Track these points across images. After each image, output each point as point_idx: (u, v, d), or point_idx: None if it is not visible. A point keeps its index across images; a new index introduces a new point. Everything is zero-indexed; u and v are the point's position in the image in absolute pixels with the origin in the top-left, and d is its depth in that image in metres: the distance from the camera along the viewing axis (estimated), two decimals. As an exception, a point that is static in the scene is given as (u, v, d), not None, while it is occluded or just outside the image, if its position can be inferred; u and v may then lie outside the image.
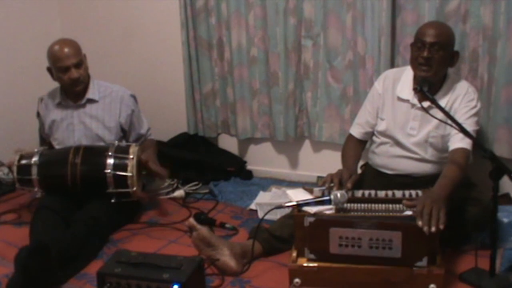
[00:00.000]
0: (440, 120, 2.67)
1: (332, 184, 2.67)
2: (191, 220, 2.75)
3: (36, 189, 3.15)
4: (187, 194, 3.74)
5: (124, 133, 3.45)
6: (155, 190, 3.71)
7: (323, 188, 2.71)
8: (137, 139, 3.47)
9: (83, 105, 3.37)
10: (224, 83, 3.99)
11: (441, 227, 2.32)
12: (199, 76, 3.99)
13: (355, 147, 3.06)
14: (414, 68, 2.81)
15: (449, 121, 2.58)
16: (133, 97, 3.49)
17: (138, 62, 4.27)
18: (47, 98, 3.46)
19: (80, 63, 3.27)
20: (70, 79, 3.24)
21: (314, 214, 2.48)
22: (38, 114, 3.51)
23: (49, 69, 3.33)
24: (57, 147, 3.40)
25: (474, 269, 2.54)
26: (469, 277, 2.53)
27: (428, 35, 2.72)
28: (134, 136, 3.47)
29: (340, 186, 2.66)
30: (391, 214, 2.48)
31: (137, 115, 3.48)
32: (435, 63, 2.72)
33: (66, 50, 3.23)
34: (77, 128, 3.37)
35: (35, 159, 3.14)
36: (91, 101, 3.37)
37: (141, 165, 3.23)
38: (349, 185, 2.68)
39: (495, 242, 2.44)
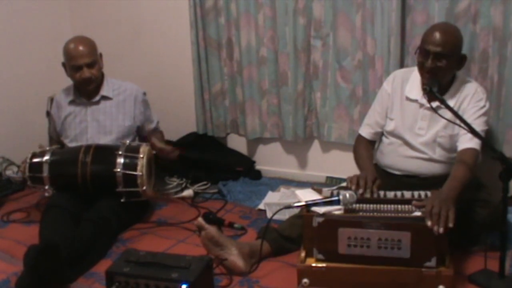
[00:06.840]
0: (448, 120, 2.67)
1: (361, 190, 2.65)
2: (200, 220, 2.75)
3: (46, 187, 3.16)
4: (196, 193, 3.75)
5: (137, 131, 3.46)
6: (164, 190, 3.72)
7: (333, 188, 2.71)
8: (151, 131, 3.49)
9: (97, 102, 3.38)
10: (233, 83, 3.99)
11: (450, 225, 2.32)
12: (208, 76, 4.00)
13: (368, 148, 3.05)
14: (421, 74, 2.81)
15: (458, 121, 2.57)
16: (144, 93, 3.50)
17: (147, 62, 4.28)
18: (60, 96, 3.46)
19: (93, 63, 3.28)
20: (82, 78, 3.26)
21: (323, 214, 2.48)
22: (48, 114, 3.51)
23: (63, 65, 3.34)
24: (69, 144, 3.40)
25: (483, 270, 2.54)
26: (478, 278, 2.52)
27: (433, 43, 2.69)
28: (149, 129, 3.49)
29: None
30: (400, 214, 2.48)
31: (149, 110, 3.50)
32: (440, 72, 2.72)
33: (80, 48, 3.24)
34: (90, 125, 3.37)
35: (46, 157, 3.15)
36: (105, 98, 3.38)
37: (151, 150, 3.25)
38: (375, 189, 2.67)
39: (505, 243, 2.44)
